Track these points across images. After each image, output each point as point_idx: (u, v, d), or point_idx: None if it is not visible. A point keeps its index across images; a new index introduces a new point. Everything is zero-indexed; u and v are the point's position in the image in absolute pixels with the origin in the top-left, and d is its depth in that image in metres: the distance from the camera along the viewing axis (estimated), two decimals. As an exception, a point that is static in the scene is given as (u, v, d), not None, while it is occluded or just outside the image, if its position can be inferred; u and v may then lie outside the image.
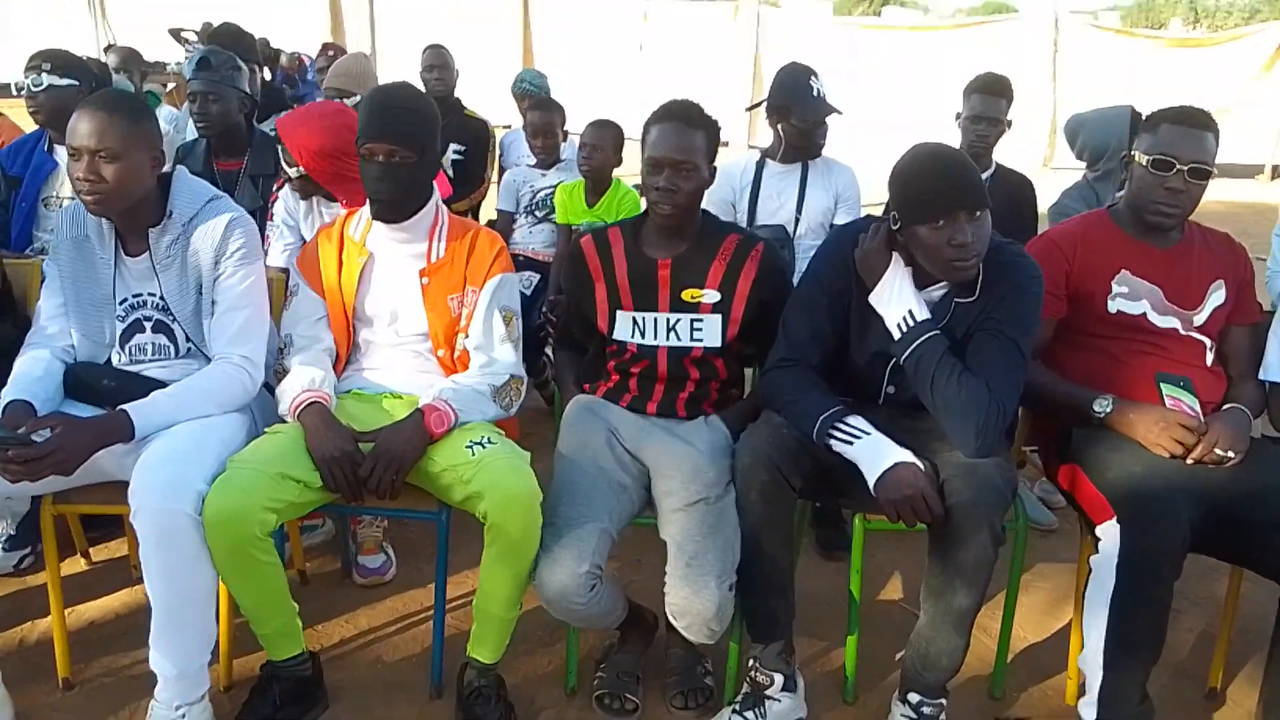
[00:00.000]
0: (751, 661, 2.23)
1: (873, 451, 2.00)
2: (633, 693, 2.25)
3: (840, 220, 3.43)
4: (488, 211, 4.39)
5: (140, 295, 2.17)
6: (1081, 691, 2.08)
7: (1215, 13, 28.18)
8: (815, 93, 3.29)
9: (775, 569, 2.11)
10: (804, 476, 2.07)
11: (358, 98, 3.38)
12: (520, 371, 2.28)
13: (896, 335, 2.07)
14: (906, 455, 1.98)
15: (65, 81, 2.98)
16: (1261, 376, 2.31)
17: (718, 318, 2.26)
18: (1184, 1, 28.29)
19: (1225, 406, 2.23)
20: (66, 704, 2.25)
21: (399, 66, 5.11)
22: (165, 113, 4.80)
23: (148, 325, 2.18)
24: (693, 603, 1.96)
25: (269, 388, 2.24)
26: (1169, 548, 1.93)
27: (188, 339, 2.17)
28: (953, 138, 3.50)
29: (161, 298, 2.15)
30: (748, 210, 3.45)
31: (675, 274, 2.25)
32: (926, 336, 2.03)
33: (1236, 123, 12.45)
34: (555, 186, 3.81)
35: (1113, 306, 2.30)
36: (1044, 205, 3.64)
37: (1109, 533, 1.99)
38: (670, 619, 2.03)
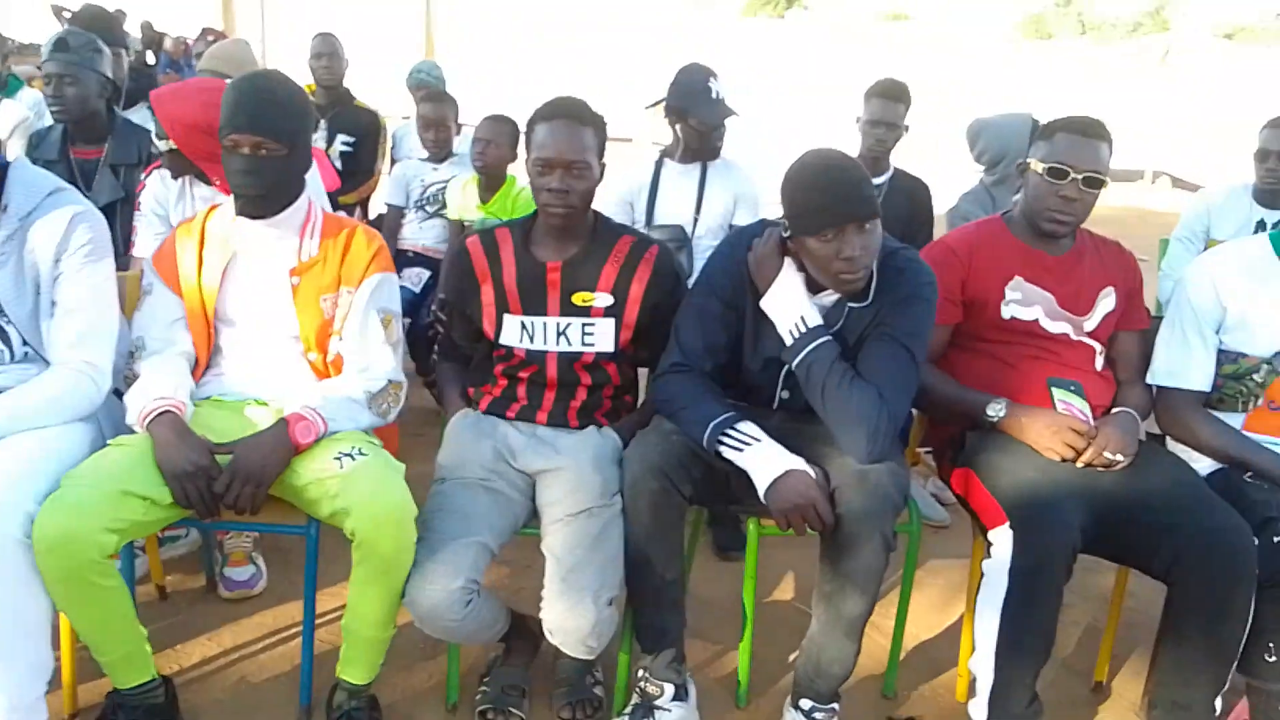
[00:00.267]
0: (641, 671, 2.16)
1: (763, 459, 1.95)
2: (517, 707, 2.15)
3: (740, 221, 3.39)
4: (379, 206, 4.24)
5: None
6: (972, 692, 2.08)
7: (1101, 25, 29.47)
8: (714, 95, 3.24)
9: (665, 581, 2.04)
10: (694, 484, 2.01)
11: (234, 83, 3.20)
12: (399, 377, 2.15)
13: (788, 341, 2.02)
14: (797, 462, 1.94)
15: None
16: (1149, 381, 2.34)
17: (610, 322, 2.18)
18: (1073, 14, 29.48)
19: (1114, 410, 2.25)
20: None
21: (291, 55, 4.91)
22: (30, 97, 4.50)
23: None
24: (567, 619, 1.88)
25: (120, 394, 2.07)
26: (1060, 553, 1.93)
27: (24, 342, 1.98)
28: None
29: None
30: (646, 210, 3.38)
31: (566, 277, 2.16)
32: (818, 343, 1.99)
33: (1120, 129, 13.04)
34: (447, 181, 3.68)
35: (1006, 312, 2.30)
36: (941, 208, 3.68)
37: (1001, 538, 1.99)
38: (547, 635, 1.94)
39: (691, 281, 2.27)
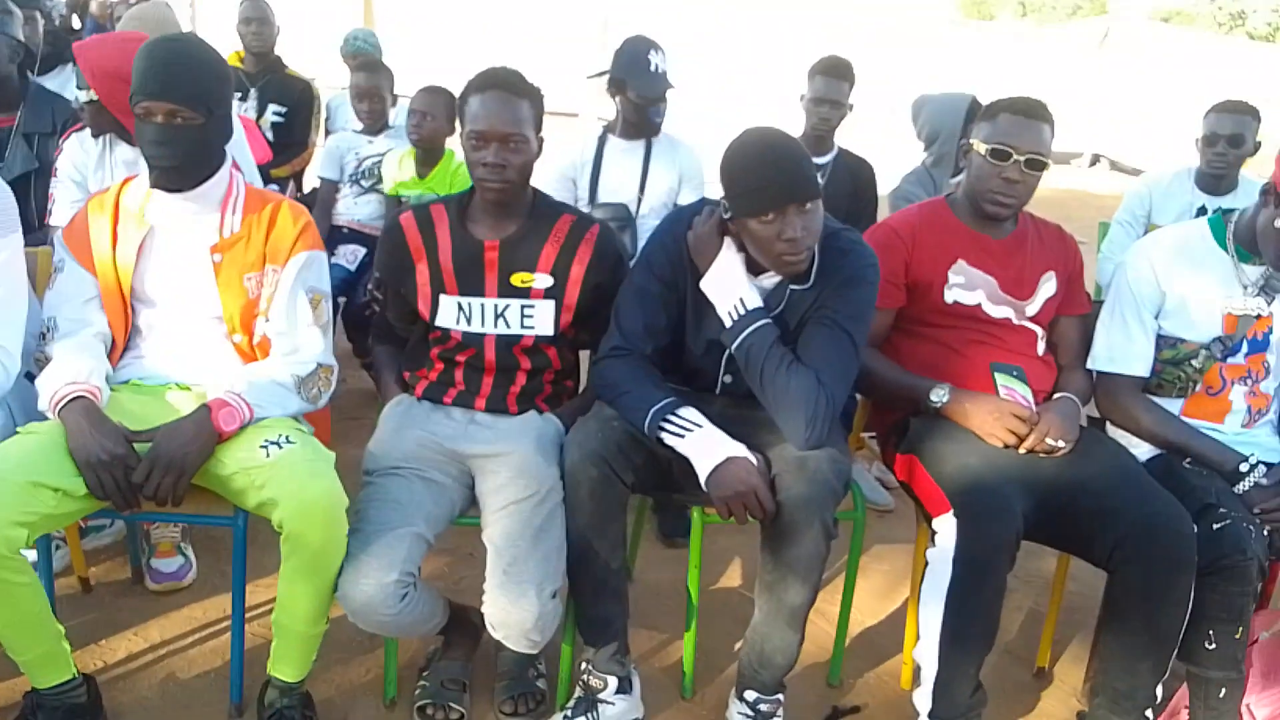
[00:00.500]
0: (584, 664, 2.11)
1: (704, 445, 1.90)
2: (458, 701, 2.09)
3: (685, 200, 3.33)
4: (313, 180, 4.09)
5: None
6: (916, 681, 2.07)
7: (1042, 7, 29.84)
8: (653, 68, 3.15)
9: (608, 571, 2.00)
10: (635, 471, 1.96)
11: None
12: (329, 360, 2.06)
13: (727, 323, 1.98)
14: (739, 449, 1.89)
15: None
16: (1089, 366, 2.34)
17: (550, 304, 2.11)
18: (1013, -5, 29.79)
19: (1056, 395, 2.25)
20: None
21: (225, 20, 4.71)
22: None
23: None
24: (510, 613, 1.83)
25: (31, 378, 1.95)
26: (1004, 542, 1.93)
27: None
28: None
29: None
30: (589, 187, 3.31)
31: (504, 256, 2.08)
32: (757, 326, 1.95)
33: (1060, 111, 13.21)
34: (383, 154, 3.56)
35: (949, 297, 2.28)
36: (885, 189, 3.66)
37: (945, 527, 1.97)
38: (489, 629, 1.88)
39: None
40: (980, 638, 1.97)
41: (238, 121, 3.49)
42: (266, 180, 3.95)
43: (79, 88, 2.44)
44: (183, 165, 1.90)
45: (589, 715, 2.06)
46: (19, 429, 1.83)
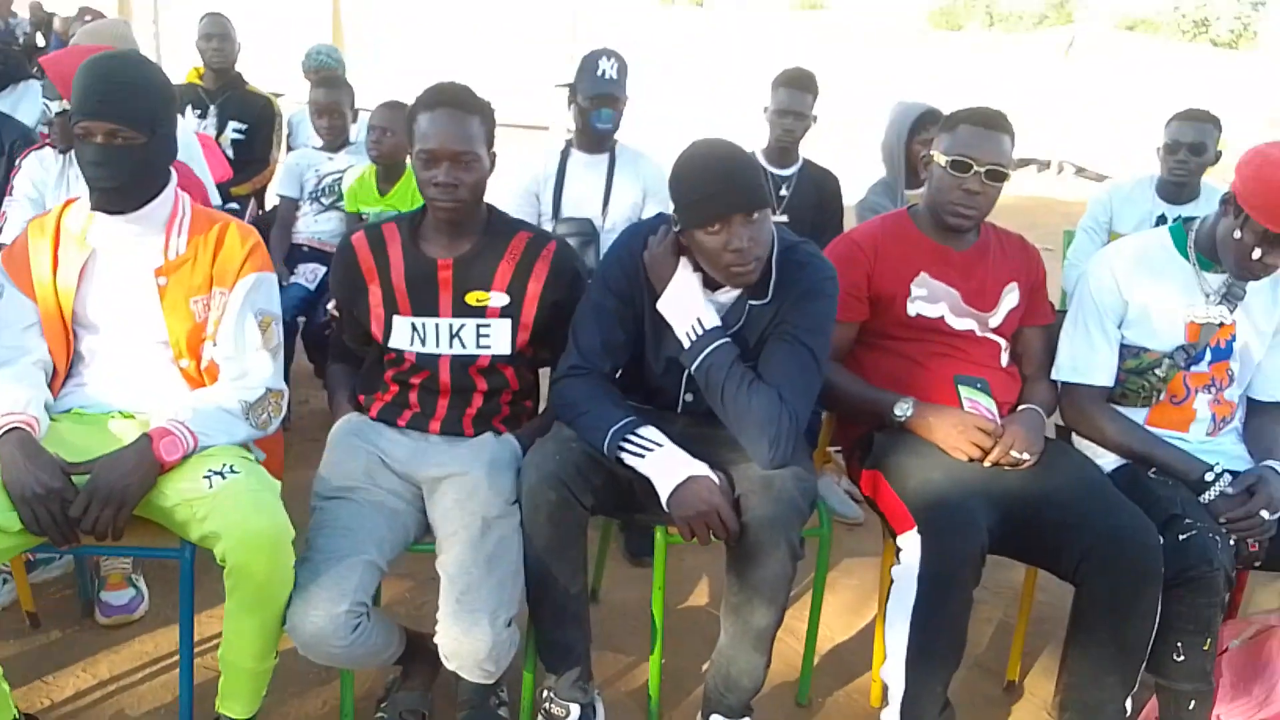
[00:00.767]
0: (546, 692, 2.07)
1: (665, 465, 1.87)
2: (417, 733, 2.04)
3: (649, 214, 3.30)
4: (274, 198, 4.03)
5: None
6: (885, 700, 2.03)
7: (1009, 17, 30.18)
8: (600, 72, 3.13)
9: (568, 596, 1.95)
10: (595, 493, 1.92)
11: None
12: (279, 384, 2.01)
13: (686, 344, 1.95)
14: (700, 468, 1.86)
15: None
16: (1053, 376, 2.33)
17: (507, 322, 2.07)
18: (981, 6, 30.12)
19: (1020, 407, 2.23)
20: None
21: (187, 39, 4.65)
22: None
23: None
24: (463, 643, 1.77)
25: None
26: (968, 558, 1.90)
27: None
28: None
29: None
30: (552, 202, 3.27)
31: (458, 275, 2.04)
32: (716, 345, 1.91)
33: (1027, 119, 13.36)
34: (343, 171, 3.51)
35: (912, 309, 2.26)
36: (852, 199, 3.64)
37: (909, 543, 1.95)
38: (443, 659, 1.83)
39: (596, 279, 2.18)
40: (947, 655, 1.94)
41: (194, 139, 3.46)
42: (226, 198, 3.90)
43: (49, 98, 2.45)
44: (124, 186, 1.84)
45: (552, 744, 2.01)
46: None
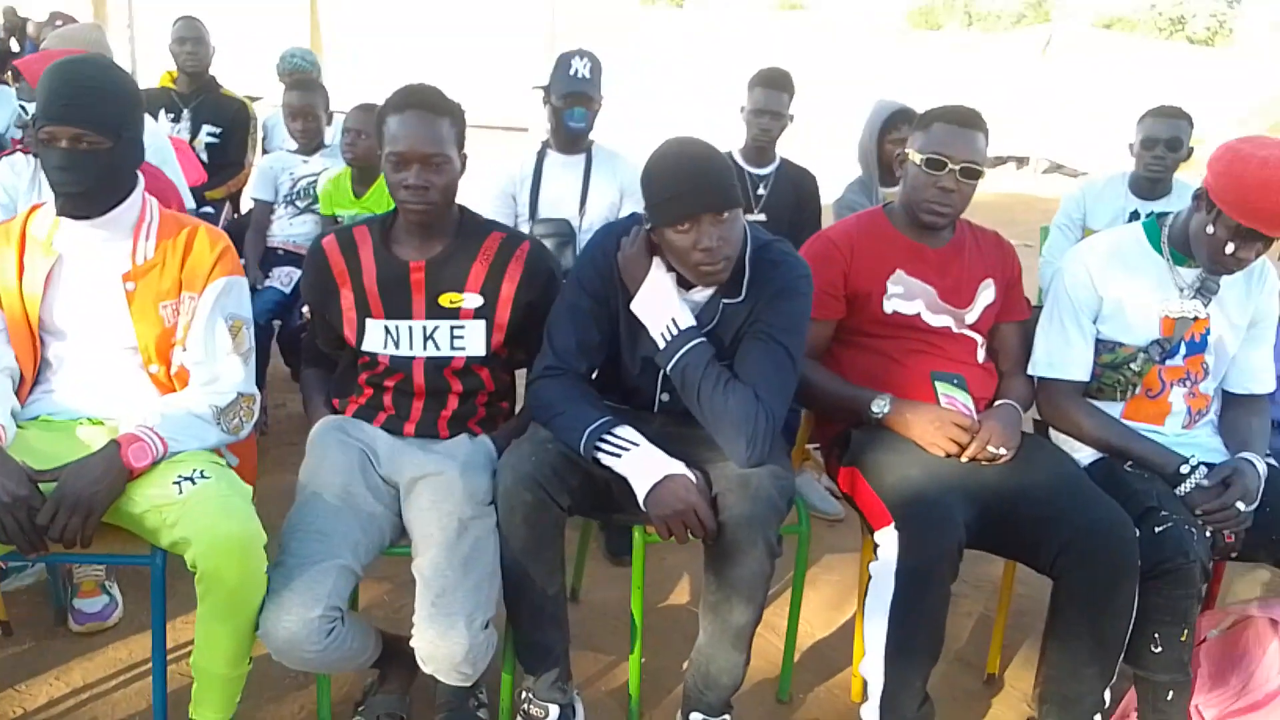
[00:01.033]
0: (524, 693, 2.05)
1: (642, 464, 1.86)
2: (395, 737, 2.02)
3: (627, 214, 3.29)
4: (249, 201, 4.00)
5: None
6: (865, 695, 2.03)
7: (987, 16, 30.32)
8: (573, 71, 3.12)
9: (545, 597, 1.94)
10: (572, 493, 1.91)
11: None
12: (251, 389, 1.99)
13: (661, 345, 1.94)
14: (677, 467, 1.85)
15: None
16: (1030, 372, 2.33)
17: (481, 324, 2.06)
18: (960, 6, 30.25)
19: (997, 403, 2.23)
20: None
21: (162, 43, 4.62)
22: None
23: None
24: (439, 646, 1.75)
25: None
26: (946, 554, 1.90)
27: None
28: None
29: None
30: (529, 203, 3.26)
31: (431, 277, 2.03)
32: (690, 345, 1.91)
33: (1006, 117, 13.44)
34: (318, 174, 3.49)
35: (888, 307, 2.26)
36: (830, 198, 3.64)
37: (887, 539, 1.94)
38: (420, 663, 1.81)
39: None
40: (925, 650, 1.94)
41: (168, 143, 3.43)
42: (201, 202, 3.87)
43: (23, 99, 2.39)
44: (90, 191, 1.82)
45: (532, 746, 2.00)
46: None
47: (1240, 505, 2.03)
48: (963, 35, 20.24)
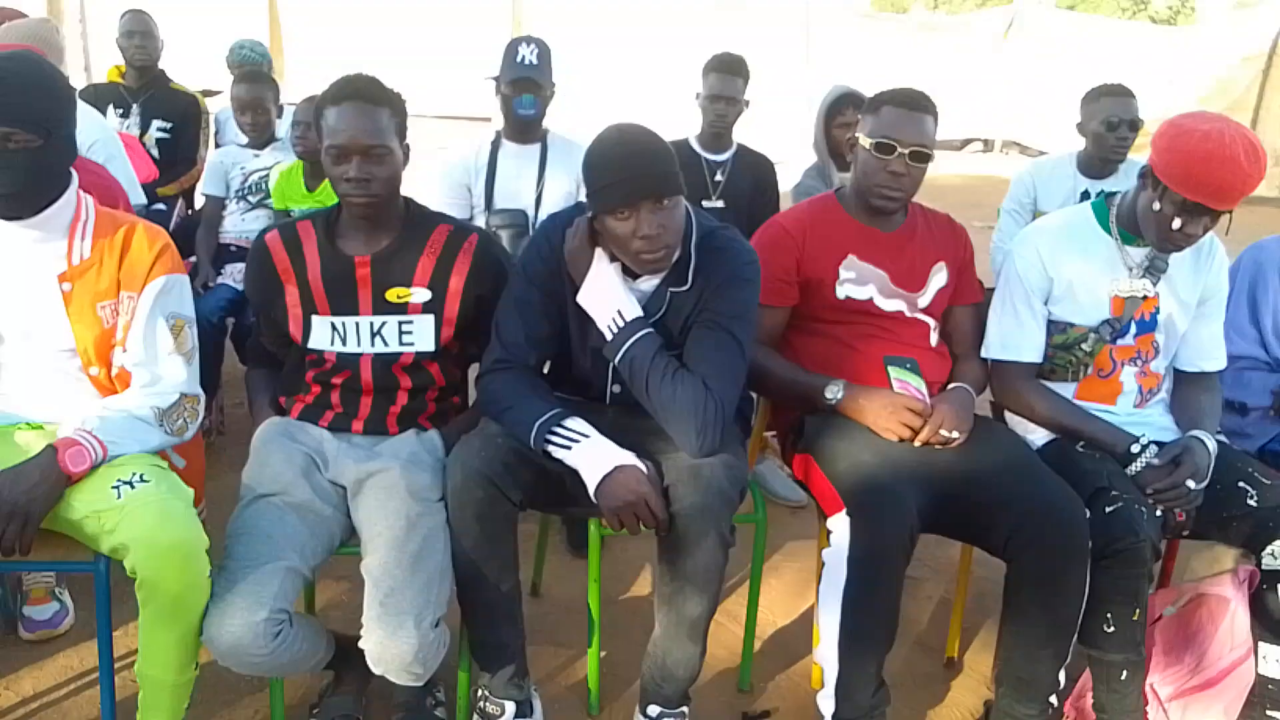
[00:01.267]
0: (480, 691, 2.04)
1: (592, 455, 1.84)
2: (352, 738, 2.00)
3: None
4: (202, 198, 3.94)
5: None
6: (822, 682, 2.03)
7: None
8: (519, 58, 3.09)
9: (499, 594, 1.92)
10: (524, 488, 1.89)
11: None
12: (194, 389, 1.95)
13: (608, 336, 1.92)
14: (628, 458, 1.84)
15: None
16: (983, 354, 2.33)
17: (429, 318, 2.03)
18: (925, -13, 30.26)
19: (950, 386, 2.24)
20: None
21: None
22: None
23: None
24: (387, 647, 1.73)
25: None
26: (897, 540, 1.90)
27: None
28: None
29: None
30: (484, 194, 3.22)
31: (377, 272, 2.00)
32: (638, 336, 1.89)
33: (969, 99, 13.49)
34: (270, 168, 3.44)
35: (841, 292, 2.26)
36: (789, 184, 3.63)
37: (839, 526, 1.94)
38: (370, 664, 1.79)
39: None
40: (879, 637, 1.94)
41: (116, 139, 3.37)
42: (153, 199, 3.81)
43: None
44: (22, 191, 1.78)
45: (488, 743, 1.99)
46: None
47: (1190, 483, 2.05)
48: (928, 17, 20.29)
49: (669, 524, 1.83)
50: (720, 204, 3.39)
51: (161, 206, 3.86)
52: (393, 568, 1.77)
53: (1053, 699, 2.04)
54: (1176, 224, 2.06)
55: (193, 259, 3.44)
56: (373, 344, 2.02)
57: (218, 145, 4.24)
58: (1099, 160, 3.43)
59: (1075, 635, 1.99)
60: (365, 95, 1.88)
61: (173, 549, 1.65)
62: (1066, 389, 2.28)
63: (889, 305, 2.26)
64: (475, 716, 2.04)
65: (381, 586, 1.76)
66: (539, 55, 3.08)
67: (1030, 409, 2.27)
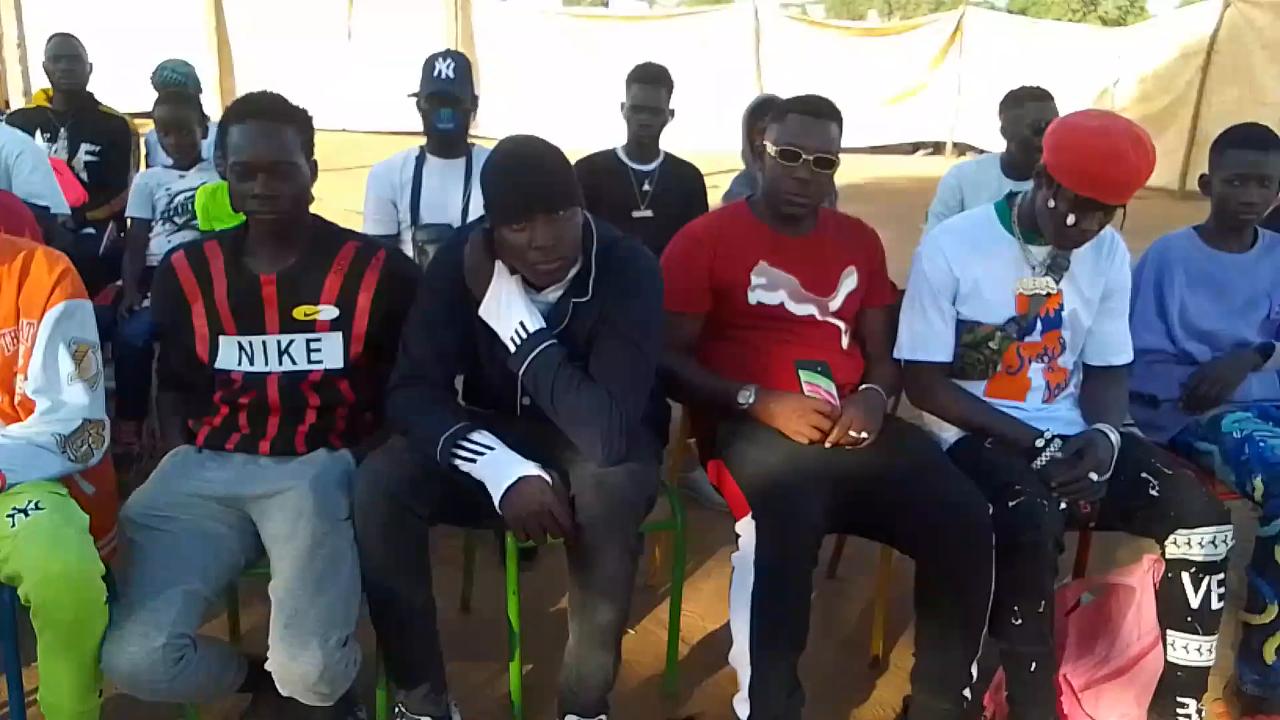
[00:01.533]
0: (398, 708, 2.03)
1: (496, 467, 1.85)
2: (272, 760, 1.99)
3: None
4: (130, 220, 3.90)
5: None
6: (738, 686, 2.04)
7: (907, 4, 30.79)
8: (436, 73, 3.10)
9: (410, 611, 1.92)
10: (432, 503, 1.89)
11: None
12: (99, 414, 1.94)
13: (511, 349, 1.93)
14: (532, 469, 1.85)
15: None
16: (895, 355, 2.37)
17: (338, 335, 2.03)
18: (880, -6, 30.60)
19: (861, 387, 2.27)
20: None
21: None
22: None
23: None
24: (291, 668, 1.73)
25: None
26: (802, 543, 1.92)
27: None
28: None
29: None
30: (410, 209, 3.22)
31: (283, 290, 2.00)
32: (541, 349, 1.90)
33: (919, 104, 13.66)
34: (195, 189, 3.41)
35: (752, 298, 2.29)
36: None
37: (746, 529, 1.96)
38: (278, 685, 1.78)
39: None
40: (788, 639, 1.96)
41: (46, 162, 3.34)
42: (83, 223, 3.78)
43: None
44: None
45: (407, 759, 1.98)
46: None
47: (1093, 475, 2.08)
48: (882, 23, 20.56)
49: (576, 534, 1.84)
50: (649, 213, 3.42)
51: (91, 230, 3.82)
52: (296, 589, 1.76)
53: (967, 692, 2.07)
54: (1071, 220, 2.10)
55: (118, 283, 3.40)
56: (280, 363, 2.01)
57: (149, 167, 4.20)
58: (1024, 163, 3.49)
59: (985, 629, 2.02)
60: (269, 113, 1.89)
61: (64, 576, 1.63)
62: (977, 387, 2.32)
63: (800, 310, 2.29)
64: (393, 733, 2.03)
65: (285, 608, 1.75)
66: (456, 70, 3.09)
67: (943, 408, 2.31)
